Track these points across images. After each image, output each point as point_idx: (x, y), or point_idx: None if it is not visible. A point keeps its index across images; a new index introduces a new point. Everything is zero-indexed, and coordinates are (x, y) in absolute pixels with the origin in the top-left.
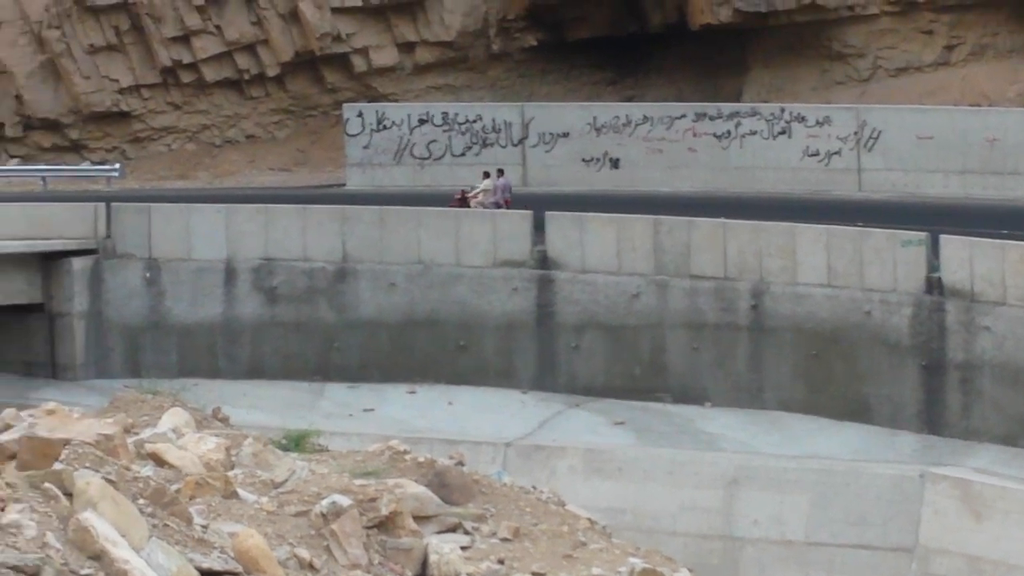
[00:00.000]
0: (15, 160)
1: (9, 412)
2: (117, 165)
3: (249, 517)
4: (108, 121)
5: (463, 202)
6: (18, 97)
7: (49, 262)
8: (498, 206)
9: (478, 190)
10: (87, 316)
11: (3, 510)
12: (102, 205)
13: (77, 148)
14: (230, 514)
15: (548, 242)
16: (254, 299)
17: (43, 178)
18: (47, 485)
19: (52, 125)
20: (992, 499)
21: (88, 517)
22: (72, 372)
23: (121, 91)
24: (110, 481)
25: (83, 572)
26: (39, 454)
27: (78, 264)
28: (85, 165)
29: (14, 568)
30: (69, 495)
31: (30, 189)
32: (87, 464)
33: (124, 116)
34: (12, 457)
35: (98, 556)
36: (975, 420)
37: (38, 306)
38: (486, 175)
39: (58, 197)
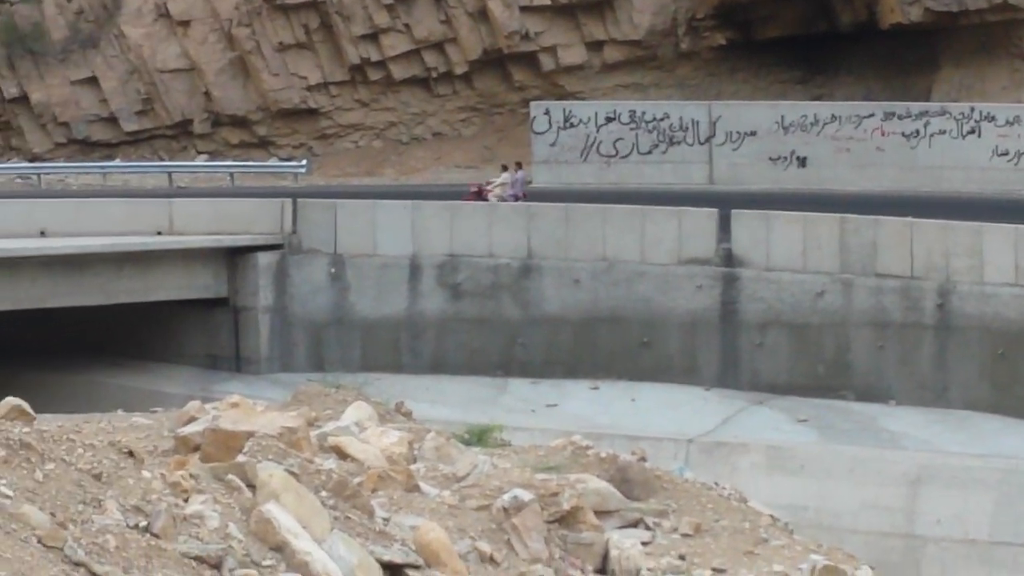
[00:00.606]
0: (203, 156)
1: (193, 405)
2: (304, 161)
3: (431, 511)
4: (296, 118)
5: (479, 195)
6: (207, 94)
7: (235, 257)
8: (516, 199)
9: (496, 184)
10: (272, 310)
11: (187, 501)
12: (288, 201)
13: (264, 144)
14: (412, 507)
15: (733, 240)
16: (438, 295)
17: (231, 174)
18: (230, 477)
19: (240, 122)
20: None
21: (270, 509)
22: (256, 366)
23: (309, 88)
24: (292, 473)
25: (264, 563)
26: (222, 446)
27: (264, 259)
28: (272, 161)
29: (197, 558)
30: (252, 487)
31: (218, 184)
32: (270, 456)
33: (312, 113)
34: (196, 449)
35: (280, 547)
36: None
37: (223, 300)
38: (504, 168)
39: (245, 193)
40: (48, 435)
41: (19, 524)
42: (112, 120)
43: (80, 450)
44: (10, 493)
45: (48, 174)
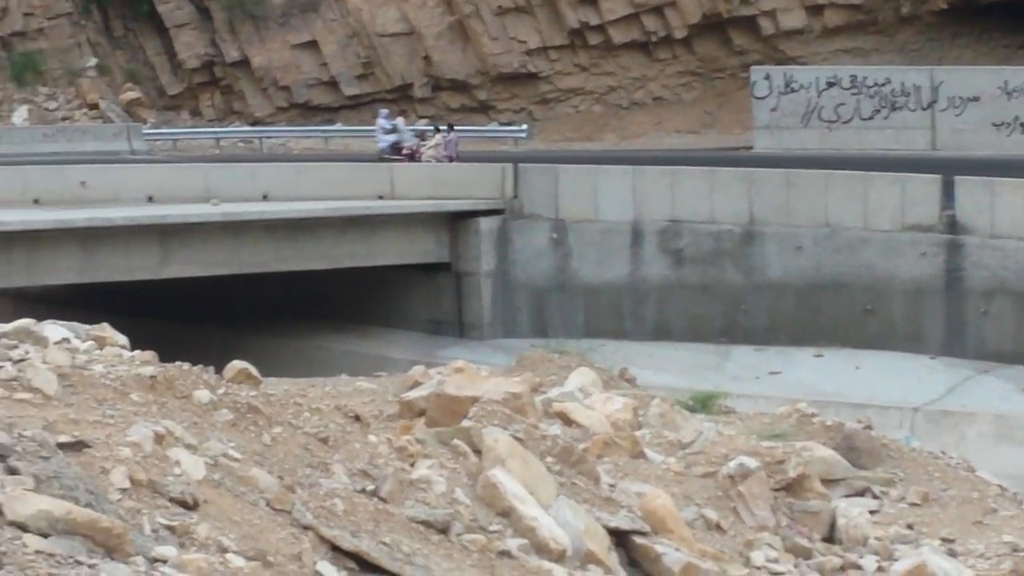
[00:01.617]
0: (423, 120)
1: (418, 369)
2: (524, 126)
3: (656, 477)
4: (515, 82)
5: (411, 157)
6: (427, 58)
7: (457, 222)
8: (450, 159)
9: (430, 145)
10: (494, 276)
11: (413, 466)
12: (509, 166)
13: (484, 109)
14: (637, 474)
15: (957, 206)
16: (660, 261)
17: None
18: (456, 442)
19: (460, 86)
20: None
21: (497, 474)
22: (479, 331)
23: (529, 52)
24: (518, 439)
25: (491, 528)
26: (447, 411)
27: (485, 224)
28: (492, 126)
29: (424, 523)
30: (477, 452)
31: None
32: (495, 422)
33: (531, 77)
34: (421, 414)
35: (506, 513)
36: None
37: (445, 265)
38: (437, 130)
39: (466, 157)
40: (275, 399)
41: (248, 487)
42: (332, 84)
43: (307, 414)
44: (239, 456)
45: (270, 138)
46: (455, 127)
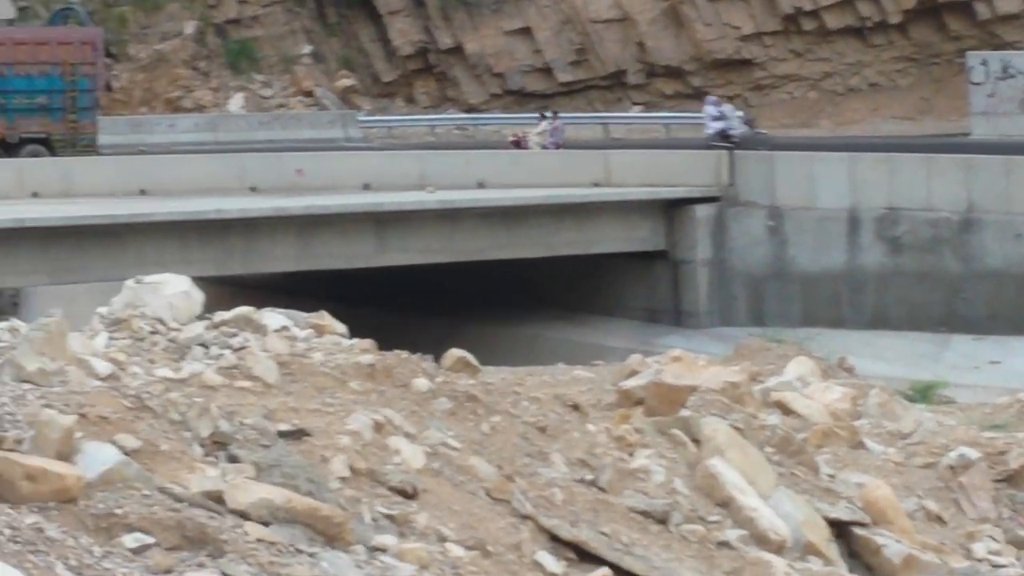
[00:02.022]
0: (637, 107)
1: (635, 358)
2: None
3: (875, 468)
4: (729, 68)
5: (518, 144)
6: (640, 44)
7: (672, 209)
8: (557, 147)
9: (535, 132)
10: (710, 264)
11: (631, 455)
12: (725, 153)
13: (699, 95)
14: (856, 464)
15: None
16: (877, 248)
17: (665, 125)
18: (674, 431)
19: (674, 72)
20: None
21: (715, 464)
22: (696, 320)
23: (743, 39)
24: (737, 428)
25: (710, 519)
26: (665, 400)
27: (701, 212)
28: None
29: (643, 513)
30: (696, 441)
31: (652, 136)
32: (713, 411)
33: (746, 64)
34: (639, 403)
35: (725, 503)
36: None
37: (662, 253)
38: (542, 117)
39: (680, 144)
40: (493, 388)
41: (467, 476)
42: (546, 71)
43: (525, 403)
44: (458, 445)
45: (484, 125)
46: (559, 114)
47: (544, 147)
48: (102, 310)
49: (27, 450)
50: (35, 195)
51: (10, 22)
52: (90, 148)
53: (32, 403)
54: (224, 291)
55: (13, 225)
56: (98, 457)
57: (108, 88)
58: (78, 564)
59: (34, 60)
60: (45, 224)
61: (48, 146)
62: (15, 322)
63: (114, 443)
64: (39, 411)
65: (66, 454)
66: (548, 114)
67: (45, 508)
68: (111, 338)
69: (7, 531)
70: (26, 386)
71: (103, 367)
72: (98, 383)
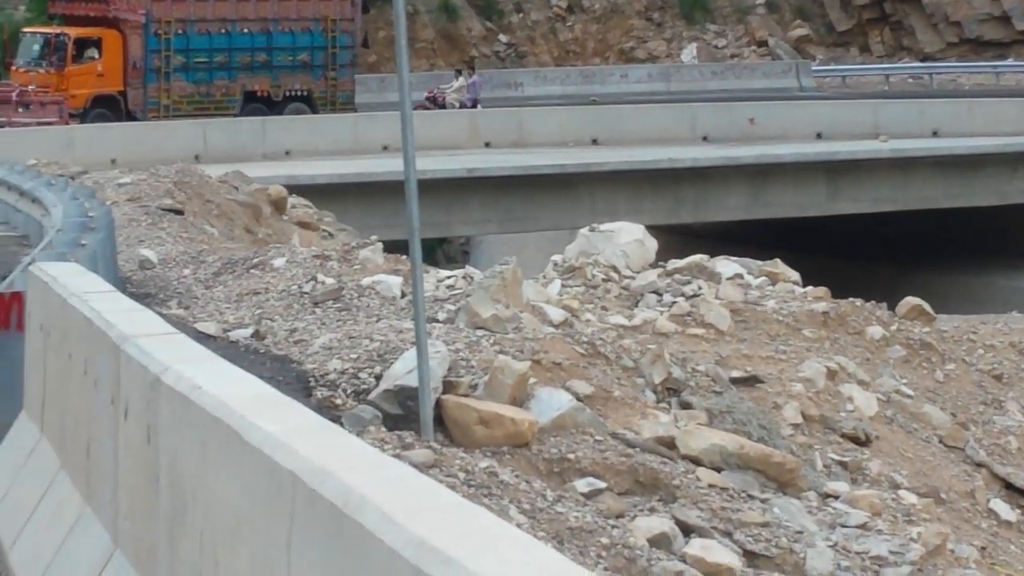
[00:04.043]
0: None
1: None
2: None
3: None
4: None
5: (434, 102)
6: None
7: None
8: (474, 104)
9: (452, 88)
10: None
11: None
12: None
13: None
14: None
15: None
16: None
17: None
18: None
19: None
20: None
21: None
22: None
23: None
24: None
25: None
26: None
27: None
28: None
29: None
30: None
31: None
32: None
33: None
34: None
35: None
36: None
37: None
38: (458, 74)
39: None
40: (948, 335)
41: (920, 424)
42: (1004, 19)
43: (980, 351)
44: (911, 392)
45: (939, 74)
46: (476, 70)
47: (462, 104)
48: (555, 258)
49: (481, 395)
50: (487, 145)
51: None
52: (348, 106)
53: (486, 349)
54: (674, 239)
55: (465, 175)
56: (551, 403)
57: (365, 44)
58: (531, 508)
59: (297, 16)
60: (497, 173)
61: (310, 104)
62: (469, 269)
63: (567, 389)
64: (493, 357)
65: (519, 400)
66: (464, 71)
67: (498, 452)
68: (564, 285)
69: (461, 474)
70: (480, 332)
71: (556, 314)
72: (551, 330)
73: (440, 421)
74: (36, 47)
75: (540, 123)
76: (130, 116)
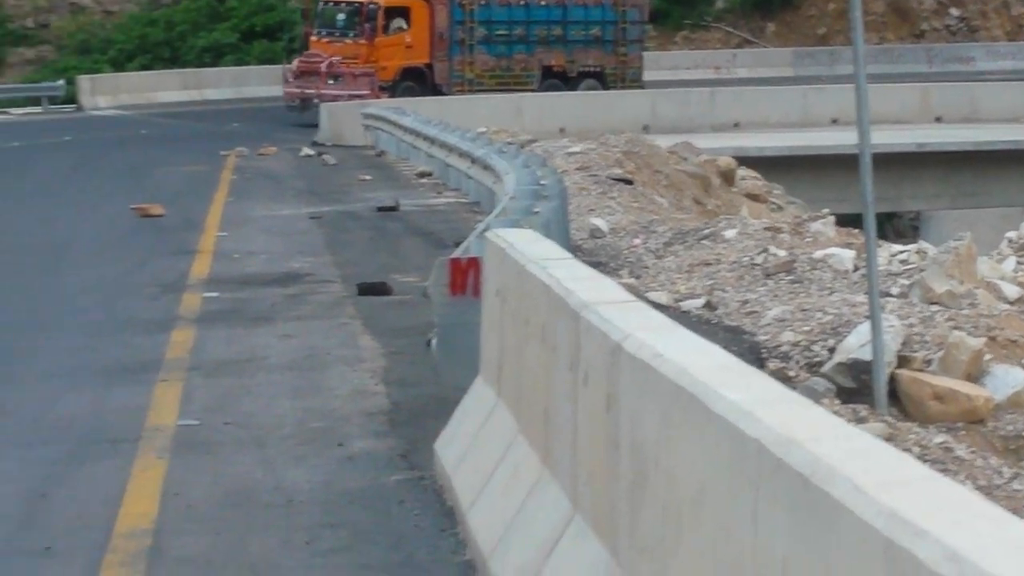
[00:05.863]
0: None
1: None
2: None
3: None
4: None
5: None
6: None
7: None
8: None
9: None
10: None
11: None
12: None
13: None
14: None
15: None
16: None
17: None
18: None
19: None
20: None
21: None
22: None
23: None
24: None
25: None
26: None
27: None
28: None
29: None
30: None
31: None
32: None
33: None
34: None
35: None
36: None
37: None
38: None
39: None
40: None
41: None
42: None
43: None
44: None
45: None
46: None
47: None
48: (1010, 234)
49: (935, 371)
50: (938, 119)
51: None
52: (636, 83)
53: (940, 324)
54: None
55: (916, 149)
56: (1007, 379)
57: (651, 20)
58: (987, 484)
59: None
60: (947, 148)
61: (602, 81)
62: (922, 244)
63: (1023, 366)
64: (947, 333)
65: (974, 376)
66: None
67: (953, 428)
68: (1019, 262)
69: (916, 449)
70: (934, 308)
71: (1012, 291)
72: (1007, 307)
73: (894, 395)
74: (341, 17)
75: (993, 98)
76: (435, 90)
